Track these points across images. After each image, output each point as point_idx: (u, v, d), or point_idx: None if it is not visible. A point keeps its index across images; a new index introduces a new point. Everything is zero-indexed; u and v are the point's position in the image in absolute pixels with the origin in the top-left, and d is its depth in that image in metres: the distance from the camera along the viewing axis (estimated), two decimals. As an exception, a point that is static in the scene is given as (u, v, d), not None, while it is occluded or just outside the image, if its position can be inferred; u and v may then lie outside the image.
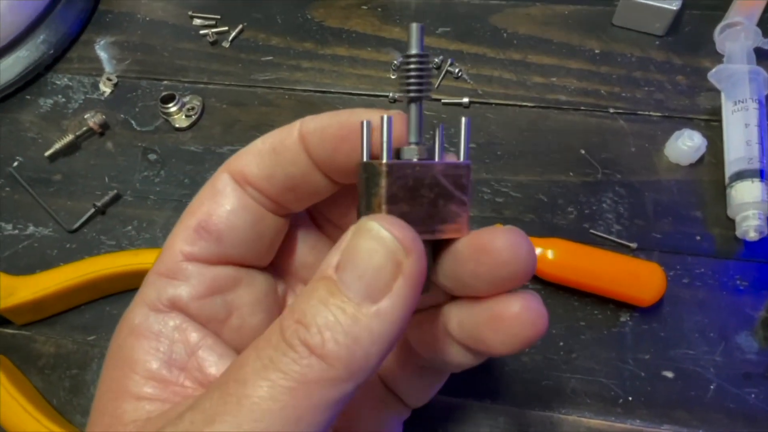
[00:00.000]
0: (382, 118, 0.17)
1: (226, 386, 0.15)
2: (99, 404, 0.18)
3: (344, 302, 0.15)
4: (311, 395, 0.14)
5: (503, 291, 0.17)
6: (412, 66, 0.17)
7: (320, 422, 0.14)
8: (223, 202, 0.19)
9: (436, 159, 0.18)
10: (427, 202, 0.17)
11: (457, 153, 0.18)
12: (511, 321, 0.17)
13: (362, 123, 0.18)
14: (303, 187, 0.19)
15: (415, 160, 0.17)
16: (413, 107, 0.18)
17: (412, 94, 0.18)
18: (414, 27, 0.18)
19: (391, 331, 0.15)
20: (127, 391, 0.17)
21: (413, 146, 0.18)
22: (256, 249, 0.20)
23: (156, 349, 0.18)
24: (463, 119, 0.18)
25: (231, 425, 0.14)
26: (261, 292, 0.20)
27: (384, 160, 0.16)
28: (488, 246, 0.16)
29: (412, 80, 0.17)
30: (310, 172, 0.19)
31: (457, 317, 0.19)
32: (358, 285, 0.15)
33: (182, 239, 0.19)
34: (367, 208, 0.17)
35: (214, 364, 0.18)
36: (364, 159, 0.18)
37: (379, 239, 0.15)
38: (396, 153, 0.18)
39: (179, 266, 0.19)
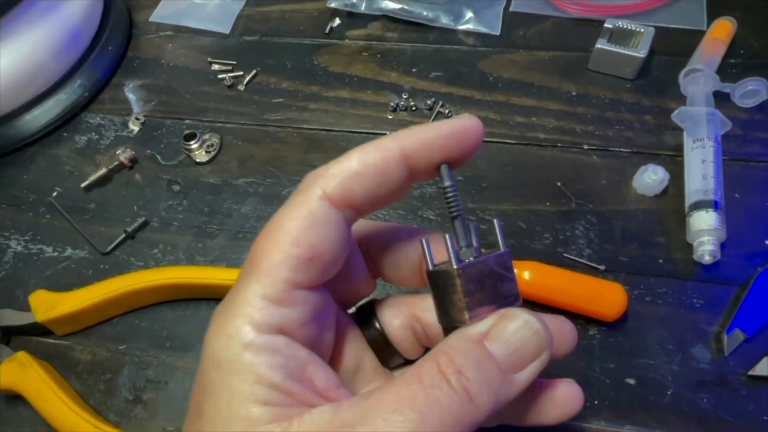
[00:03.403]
0: (444, 237, 0.21)
1: (396, 391, 0.19)
2: (222, 408, 0.19)
3: (495, 368, 0.20)
4: (457, 424, 0.19)
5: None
6: (449, 195, 0.22)
7: None
8: (328, 233, 0.20)
9: (501, 248, 0.22)
10: (489, 286, 0.21)
11: (497, 246, 0.22)
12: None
13: (421, 242, 0.22)
14: (394, 197, 0.22)
15: (472, 259, 0.21)
16: (457, 223, 0.22)
17: (453, 213, 0.22)
18: (443, 168, 0.21)
19: (516, 395, 0.20)
20: (256, 397, 0.19)
21: (465, 249, 0.22)
22: (342, 271, 0.22)
23: (275, 363, 0.19)
24: (495, 222, 0.23)
25: (404, 417, 0.18)
26: (333, 312, 0.23)
27: (454, 265, 0.21)
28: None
29: (451, 205, 0.22)
30: (406, 184, 0.21)
31: None
32: (508, 358, 0.20)
33: (289, 268, 0.20)
34: (451, 303, 0.21)
35: (323, 378, 0.20)
36: (430, 268, 0.22)
37: (533, 330, 0.20)
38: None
39: (287, 294, 0.20)
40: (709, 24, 0.49)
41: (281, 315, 0.20)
